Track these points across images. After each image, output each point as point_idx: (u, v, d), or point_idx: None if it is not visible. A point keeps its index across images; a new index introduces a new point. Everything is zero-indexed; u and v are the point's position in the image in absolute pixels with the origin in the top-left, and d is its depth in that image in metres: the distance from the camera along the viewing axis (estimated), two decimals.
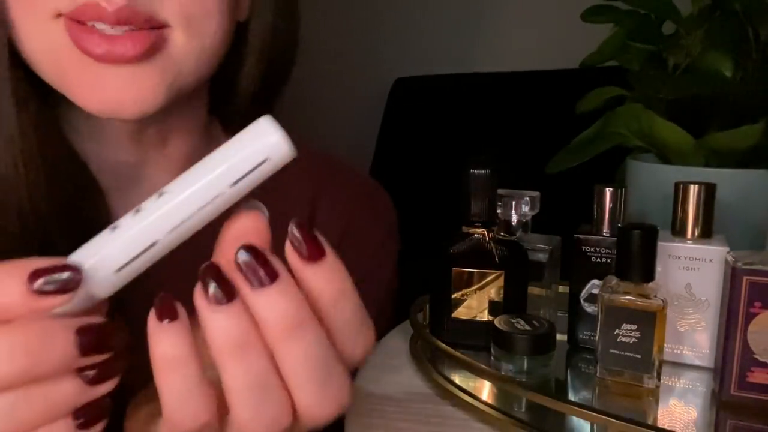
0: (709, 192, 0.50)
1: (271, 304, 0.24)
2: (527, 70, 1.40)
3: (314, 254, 0.25)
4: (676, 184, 0.51)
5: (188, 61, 0.38)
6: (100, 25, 0.35)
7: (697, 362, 0.51)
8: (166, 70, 0.37)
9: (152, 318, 0.25)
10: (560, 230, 0.60)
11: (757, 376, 0.44)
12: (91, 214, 0.42)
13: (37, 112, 0.40)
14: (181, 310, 0.25)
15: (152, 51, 0.36)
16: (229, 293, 0.24)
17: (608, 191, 0.54)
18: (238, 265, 0.24)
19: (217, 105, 0.51)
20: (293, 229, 0.25)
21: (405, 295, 0.62)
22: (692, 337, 0.51)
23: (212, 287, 0.24)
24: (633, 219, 0.60)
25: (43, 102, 0.40)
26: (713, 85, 0.61)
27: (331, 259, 0.26)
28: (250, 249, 0.25)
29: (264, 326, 0.25)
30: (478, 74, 1.47)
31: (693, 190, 0.50)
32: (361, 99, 1.62)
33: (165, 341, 0.24)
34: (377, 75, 1.59)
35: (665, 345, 0.48)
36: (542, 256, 0.57)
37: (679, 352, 0.51)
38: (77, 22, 0.35)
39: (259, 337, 0.25)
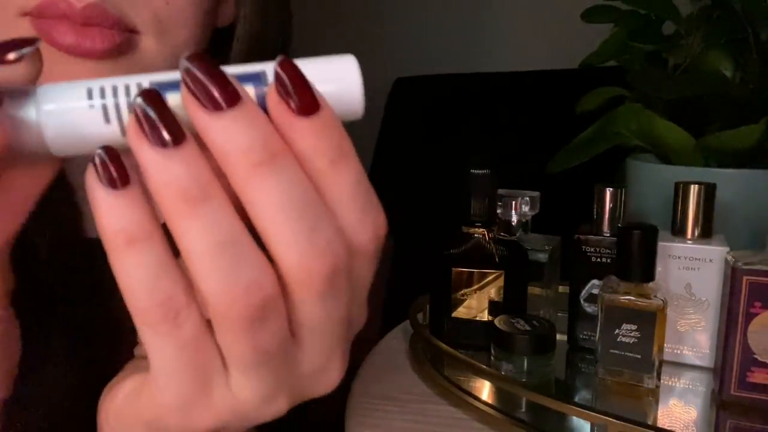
0: (709, 192, 0.50)
1: (233, 131, 0.20)
2: (527, 70, 1.40)
3: (308, 105, 0.21)
4: (676, 184, 0.51)
5: (158, 66, 0.36)
6: (67, 23, 0.34)
7: (697, 362, 0.51)
8: (131, 72, 0.37)
9: (94, 183, 0.20)
10: (560, 230, 0.60)
11: (757, 376, 0.44)
12: (61, 211, 0.41)
13: None
14: (132, 174, 0.20)
15: (119, 51, 0.35)
16: (174, 131, 0.20)
17: (608, 191, 0.54)
18: (184, 80, 0.20)
19: None
20: (279, 69, 0.21)
21: (405, 295, 0.62)
22: (692, 337, 0.51)
23: (151, 121, 0.19)
24: (633, 219, 0.61)
25: None
26: (713, 85, 0.61)
27: (327, 112, 0.21)
28: (197, 59, 0.20)
29: (225, 163, 0.20)
30: (478, 74, 1.47)
31: (693, 190, 0.50)
32: None
33: (116, 212, 0.20)
34: (377, 75, 1.59)
35: (665, 345, 0.48)
36: (542, 256, 0.57)
37: (679, 352, 0.51)
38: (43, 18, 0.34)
39: (216, 181, 0.20)
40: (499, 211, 0.57)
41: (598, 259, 0.53)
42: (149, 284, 0.20)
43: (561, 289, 0.60)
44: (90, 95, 0.21)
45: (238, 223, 0.20)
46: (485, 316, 0.53)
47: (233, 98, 0.20)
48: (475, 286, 0.53)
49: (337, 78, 0.22)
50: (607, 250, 0.52)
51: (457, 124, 1.44)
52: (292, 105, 0.21)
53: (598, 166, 0.69)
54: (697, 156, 0.61)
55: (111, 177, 0.20)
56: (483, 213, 0.52)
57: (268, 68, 0.22)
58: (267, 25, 0.45)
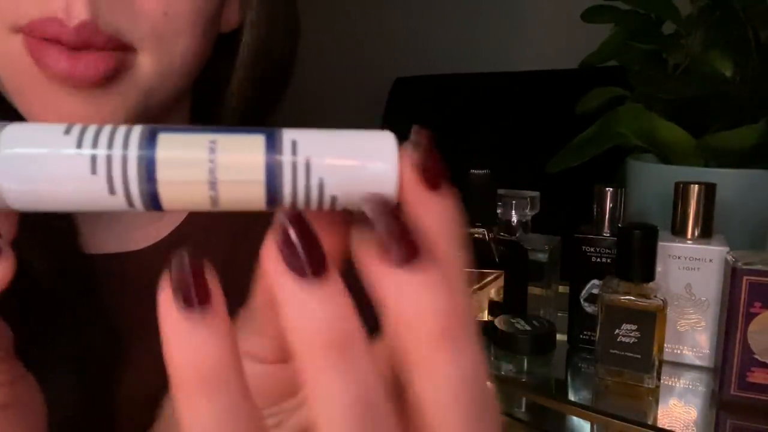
0: (709, 192, 0.50)
1: (413, 291, 0.15)
2: (527, 70, 1.40)
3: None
4: (676, 184, 0.51)
5: (153, 83, 0.35)
6: (58, 44, 0.31)
7: (697, 362, 0.51)
8: (128, 94, 0.34)
9: (168, 304, 0.16)
10: (560, 230, 0.60)
11: (757, 376, 0.44)
12: (55, 225, 0.40)
13: None
14: (217, 292, 0.16)
15: (115, 74, 0.33)
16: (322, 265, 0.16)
17: (608, 191, 0.54)
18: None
19: (202, 115, 0.46)
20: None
21: None
22: (692, 337, 0.51)
23: (302, 253, 0.15)
24: (633, 219, 0.61)
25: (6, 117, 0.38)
26: (713, 85, 0.61)
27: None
28: (382, 204, 0.16)
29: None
30: (478, 74, 1.47)
31: (693, 190, 0.50)
32: (361, 99, 1.62)
33: (193, 342, 0.15)
34: (377, 75, 1.59)
35: (665, 345, 0.48)
36: (542, 256, 0.57)
37: (679, 352, 0.51)
38: (36, 38, 0.32)
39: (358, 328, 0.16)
40: (499, 211, 0.57)
41: (598, 259, 0.53)
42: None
43: (561, 289, 0.60)
44: (73, 139, 0.16)
45: (376, 378, 0.16)
46: (485, 316, 0.53)
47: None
48: (475, 286, 0.53)
49: (368, 158, 0.17)
50: (607, 250, 0.52)
51: (457, 124, 1.44)
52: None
53: (598, 166, 0.69)
54: (697, 156, 0.61)
55: (189, 296, 0.15)
56: (483, 213, 0.53)
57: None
58: (274, 31, 0.42)
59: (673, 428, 0.43)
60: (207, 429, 0.16)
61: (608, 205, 0.54)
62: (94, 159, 0.16)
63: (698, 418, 0.46)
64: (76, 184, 0.16)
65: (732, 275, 0.44)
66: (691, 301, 0.50)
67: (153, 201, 0.16)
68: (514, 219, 0.58)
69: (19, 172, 0.16)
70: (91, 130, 0.16)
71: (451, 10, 1.55)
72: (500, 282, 0.53)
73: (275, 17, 0.42)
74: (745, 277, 0.43)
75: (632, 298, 0.46)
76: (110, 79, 0.32)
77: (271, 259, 0.16)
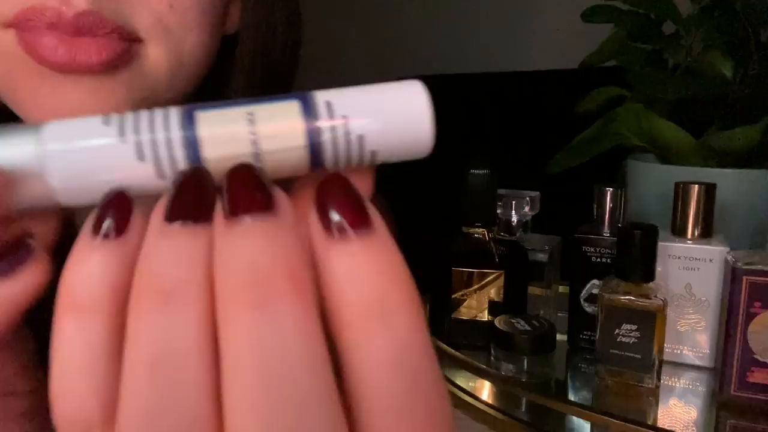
0: (709, 192, 0.50)
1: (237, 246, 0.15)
2: (527, 70, 1.40)
3: (356, 224, 0.15)
4: (676, 184, 0.51)
5: (161, 77, 0.33)
6: (57, 34, 0.29)
7: (697, 362, 0.51)
8: (133, 86, 0.31)
9: (85, 233, 0.15)
10: (560, 230, 0.60)
11: (757, 376, 0.44)
12: (67, 233, 0.38)
13: None
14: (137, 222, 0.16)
15: (119, 62, 0.30)
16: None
17: (608, 191, 0.54)
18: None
19: None
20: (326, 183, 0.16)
21: None
22: (692, 337, 0.51)
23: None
24: (633, 219, 0.61)
25: None
26: (713, 85, 0.61)
27: (381, 235, 0.15)
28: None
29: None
30: (478, 74, 1.47)
31: (693, 190, 0.50)
32: None
33: (87, 263, 0.15)
34: (377, 75, 1.59)
35: (665, 345, 0.48)
36: (542, 256, 0.57)
37: (679, 352, 0.51)
38: (28, 31, 0.29)
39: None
40: (499, 211, 0.57)
41: (598, 259, 0.53)
42: (73, 376, 0.16)
43: (561, 289, 0.60)
44: (114, 128, 0.16)
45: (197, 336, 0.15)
46: (485, 316, 0.53)
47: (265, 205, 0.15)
48: (475, 286, 0.53)
49: (402, 109, 0.17)
50: (607, 250, 0.52)
51: (457, 124, 1.44)
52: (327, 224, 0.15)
53: (598, 166, 0.69)
54: (697, 156, 0.61)
55: (104, 225, 0.15)
56: (483, 213, 0.53)
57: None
58: (274, 32, 0.40)
59: (673, 428, 0.43)
60: (69, 349, 0.15)
61: (608, 205, 0.54)
62: (139, 145, 0.16)
63: (698, 418, 0.46)
64: (124, 172, 0.16)
65: (732, 275, 0.44)
66: (691, 301, 0.51)
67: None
68: (514, 219, 0.58)
69: (66, 166, 0.16)
70: (130, 117, 0.16)
71: (451, 10, 1.55)
72: (500, 282, 0.53)
73: (275, 19, 0.40)
74: (745, 277, 0.43)
75: (632, 298, 0.46)
76: (115, 67, 0.30)
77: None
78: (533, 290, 0.56)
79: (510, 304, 0.53)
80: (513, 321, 0.50)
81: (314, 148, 0.16)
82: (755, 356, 0.43)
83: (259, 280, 0.14)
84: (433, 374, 0.15)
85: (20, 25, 0.29)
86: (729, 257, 0.46)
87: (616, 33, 0.68)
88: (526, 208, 0.58)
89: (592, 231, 0.54)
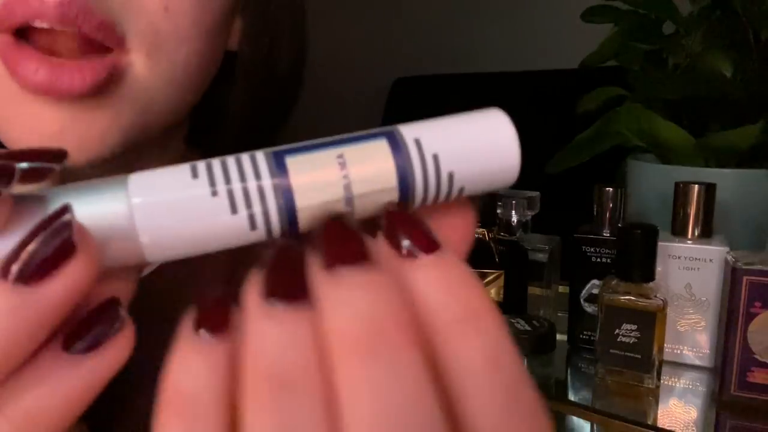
0: (709, 192, 0.50)
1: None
2: (527, 70, 1.41)
3: (425, 245, 0.15)
4: (676, 184, 0.51)
5: (153, 96, 0.29)
6: (39, 24, 0.26)
7: (697, 362, 0.51)
8: (122, 109, 0.29)
9: (187, 331, 0.15)
10: (560, 230, 0.60)
11: (757, 376, 0.44)
12: None
13: None
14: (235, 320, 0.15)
15: (107, 84, 0.27)
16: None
17: (608, 191, 0.54)
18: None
19: (198, 136, 0.40)
20: (390, 214, 0.16)
21: None
22: (692, 337, 0.51)
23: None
24: (633, 219, 0.61)
25: None
26: (713, 85, 0.61)
27: (450, 257, 0.15)
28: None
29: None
30: (478, 74, 1.47)
31: (693, 190, 0.50)
32: (361, 99, 1.62)
33: (192, 365, 0.14)
34: (377, 75, 1.59)
35: (665, 345, 0.48)
36: (542, 256, 0.57)
37: (679, 352, 0.51)
38: (15, 42, 0.27)
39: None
40: (499, 211, 0.57)
41: (598, 259, 0.53)
42: None
43: (561, 289, 0.60)
44: (204, 178, 0.15)
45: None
46: None
47: (360, 256, 0.14)
48: None
49: (490, 142, 0.16)
50: (607, 250, 0.52)
51: None
52: (404, 247, 0.15)
53: (598, 166, 0.69)
54: (697, 156, 0.61)
55: (210, 321, 0.14)
56: (483, 213, 0.53)
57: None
58: (277, 46, 0.37)
59: (673, 428, 0.43)
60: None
61: (608, 205, 0.54)
62: (232, 197, 0.15)
63: (698, 418, 0.46)
64: (216, 226, 0.15)
65: (732, 275, 0.44)
66: (691, 301, 0.51)
67: (292, 228, 0.16)
68: (514, 219, 0.58)
69: (155, 221, 0.15)
70: (217, 165, 0.15)
71: (451, 10, 1.55)
72: (500, 282, 0.53)
73: (279, 32, 0.37)
74: (745, 277, 0.43)
75: (632, 298, 0.46)
76: (101, 89, 0.27)
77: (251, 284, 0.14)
78: (533, 290, 0.56)
79: (510, 304, 0.52)
80: (513, 321, 0.50)
81: (404, 188, 0.16)
82: (755, 356, 0.43)
83: (373, 331, 0.14)
84: (525, 372, 0.15)
85: (3, 23, 0.26)
86: (729, 257, 0.46)
87: (616, 33, 0.68)
88: (526, 208, 0.58)
89: (592, 231, 0.54)
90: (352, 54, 1.66)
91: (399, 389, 0.14)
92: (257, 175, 0.15)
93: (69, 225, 0.14)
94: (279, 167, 0.15)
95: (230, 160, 0.15)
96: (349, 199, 0.15)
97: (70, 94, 0.26)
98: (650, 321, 0.46)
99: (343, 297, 0.14)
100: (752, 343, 0.43)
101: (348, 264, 0.14)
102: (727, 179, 0.56)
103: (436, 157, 0.16)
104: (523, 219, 0.59)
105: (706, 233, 0.50)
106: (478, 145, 0.16)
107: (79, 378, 0.14)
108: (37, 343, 0.14)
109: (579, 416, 0.42)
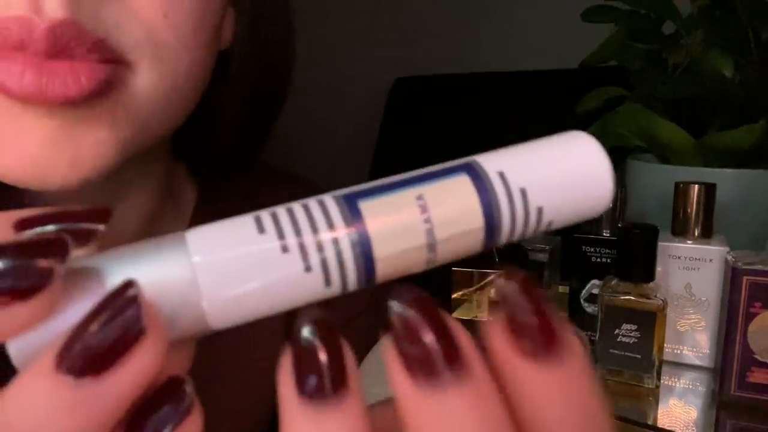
0: (709, 192, 0.50)
1: (449, 412, 0.13)
2: (527, 70, 1.41)
3: (550, 346, 0.13)
4: (676, 184, 0.51)
5: (153, 108, 0.27)
6: (31, 53, 0.23)
7: (697, 362, 0.51)
8: (118, 121, 0.25)
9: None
10: (560, 230, 0.60)
11: (757, 376, 0.44)
12: None
13: None
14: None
15: (102, 91, 0.24)
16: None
17: None
18: (394, 336, 0.13)
19: (183, 146, 0.37)
20: (516, 301, 0.14)
21: None
22: (692, 337, 0.51)
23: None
24: (633, 219, 0.61)
25: None
26: (713, 85, 0.61)
27: (576, 362, 0.13)
28: (416, 303, 0.13)
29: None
30: (478, 74, 1.47)
31: (693, 190, 0.50)
32: (361, 99, 1.62)
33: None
34: (377, 75, 1.59)
35: (665, 345, 0.48)
36: (542, 256, 0.57)
37: (679, 352, 0.51)
38: None
39: None
40: None
41: (598, 259, 0.53)
42: None
43: (561, 289, 0.60)
44: (271, 232, 0.13)
45: None
46: (485, 316, 0.53)
47: (463, 367, 0.13)
48: (475, 286, 0.53)
49: (580, 170, 0.15)
50: (607, 250, 0.52)
51: (457, 124, 1.44)
52: (524, 346, 0.13)
53: None
54: (697, 156, 0.61)
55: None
56: None
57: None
58: (268, 48, 0.36)
59: (673, 428, 0.43)
60: None
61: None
62: (304, 252, 0.13)
63: (698, 418, 0.46)
64: (288, 285, 0.13)
65: (732, 275, 0.44)
66: (691, 301, 0.51)
67: (369, 281, 0.14)
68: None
69: (220, 284, 0.13)
70: (284, 215, 0.13)
71: (451, 10, 1.55)
72: None
73: (270, 34, 0.36)
74: (745, 277, 0.43)
75: (632, 298, 0.46)
76: (96, 96, 0.24)
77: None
78: None
79: None
80: None
81: (491, 229, 0.14)
82: (755, 356, 0.43)
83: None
84: None
85: None
86: (729, 257, 0.46)
87: (616, 33, 0.68)
88: None
89: (592, 231, 0.54)
90: (352, 54, 1.65)
91: None
92: (330, 225, 0.13)
93: (136, 302, 0.12)
94: (353, 213, 0.13)
95: (297, 207, 0.14)
96: (431, 245, 0.14)
97: (63, 101, 0.23)
98: (650, 321, 0.46)
99: (442, 409, 0.12)
100: (752, 343, 0.43)
101: (449, 370, 0.12)
102: (727, 179, 0.56)
103: (524, 192, 0.14)
104: None
105: (706, 233, 0.50)
106: (568, 175, 0.15)
107: None
108: None
109: None
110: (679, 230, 0.51)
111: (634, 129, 0.64)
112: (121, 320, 0.11)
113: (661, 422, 0.44)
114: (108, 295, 0.12)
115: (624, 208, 0.54)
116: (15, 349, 0.12)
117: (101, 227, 0.13)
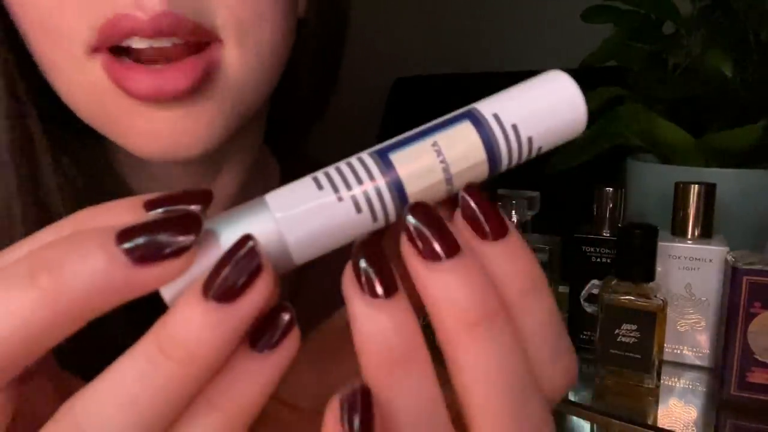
0: (709, 192, 0.50)
1: (450, 285, 0.17)
2: (527, 70, 1.40)
3: (497, 230, 0.18)
4: (676, 184, 0.51)
5: (247, 79, 0.32)
6: (138, 43, 0.28)
7: (697, 362, 0.51)
8: (223, 98, 0.31)
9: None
10: (560, 230, 0.60)
11: (757, 376, 0.44)
12: None
13: (80, 156, 0.35)
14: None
15: (206, 78, 0.30)
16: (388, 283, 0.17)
17: (608, 191, 0.54)
18: (405, 230, 0.18)
19: (271, 126, 0.43)
20: (466, 198, 0.18)
21: None
22: (692, 337, 0.51)
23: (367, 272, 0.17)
24: (633, 219, 0.61)
25: (85, 142, 0.36)
26: (713, 85, 0.61)
27: (515, 237, 0.18)
28: (419, 211, 0.18)
29: (437, 317, 0.18)
30: (478, 74, 1.47)
31: (693, 190, 0.50)
32: (361, 99, 1.62)
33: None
34: (377, 75, 1.59)
35: (665, 345, 0.48)
36: (542, 256, 0.57)
37: (679, 352, 0.51)
38: (115, 58, 0.29)
39: (423, 345, 0.18)
40: None
41: (598, 259, 0.53)
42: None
43: (561, 289, 0.60)
44: (328, 188, 0.18)
45: (439, 394, 0.17)
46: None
47: (453, 248, 0.17)
48: None
49: (559, 102, 0.19)
50: (607, 250, 0.52)
51: None
52: (481, 230, 0.18)
53: (598, 166, 0.69)
54: (697, 156, 0.61)
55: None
56: None
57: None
58: (339, 16, 0.41)
59: (673, 428, 0.43)
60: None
61: (608, 205, 0.54)
62: (355, 200, 0.18)
63: (698, 418, 0.46)
64: (347, 226, 0.18)
65: (732, 275, 0.44)
66: (691, 301, 0.51)
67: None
68: (514, 219, 0.58)
69: (299, 230, 0.17)
70: (335, 174, 0.18)
71: (451, 10, 1.55)
72: None
73: (338, 5, 0.41)
74: (745, 277, 0.43)
75: (632, 298, 0.46)
76: (203, 83, 0.30)
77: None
78: None
79: None
80: None
81: (493, 160, 0.18)
82: (755, 356, 0.43)
83: (478, 303, 0.17)
84: (561, 319, 0.19)
85: (103, 44, 0.29)
86: (729, 257, 0.46)
87: (616, 33, 0.68)
88: (526, 209, 0.58)
89: (592, 231, 0.54)
90: (352, 54, 1.65)
91: (508, 355, 0.17)
92: (371, 176, 0.18)
93: (256, 250, 0.16)
94: (386, 164, 0.18)
95: (344, 167, 0.18)
96: (449, 179, 0.18)
97: (176, 94, 0.29)
98: (650, 321, 0.46)
99: (448, 279, 0.17)
100: (752, 343, 0.43)
101: (445, 255, 0.17)
102: (727, 179, 0.56)
103: (515, 127, 0.18)
104: (523, 219, 0.58)
105: (706, 233, 0.50)
106: (549, 107, 0.18)
107: (268, 371, 0.17)
108: (235, 348, 0.16)
109: (579, 416, 0.42)
110: (679, 230, 0.51)
111: (634, 129, 0.64)
112: (245, 262, 0.16)
113: (661, 422, 0.44)
114: (234, 245, 0.16)
115: (624, 208, 0.54)
116: (167, 292, 0.16)
117: (205, 207, 0.18)
